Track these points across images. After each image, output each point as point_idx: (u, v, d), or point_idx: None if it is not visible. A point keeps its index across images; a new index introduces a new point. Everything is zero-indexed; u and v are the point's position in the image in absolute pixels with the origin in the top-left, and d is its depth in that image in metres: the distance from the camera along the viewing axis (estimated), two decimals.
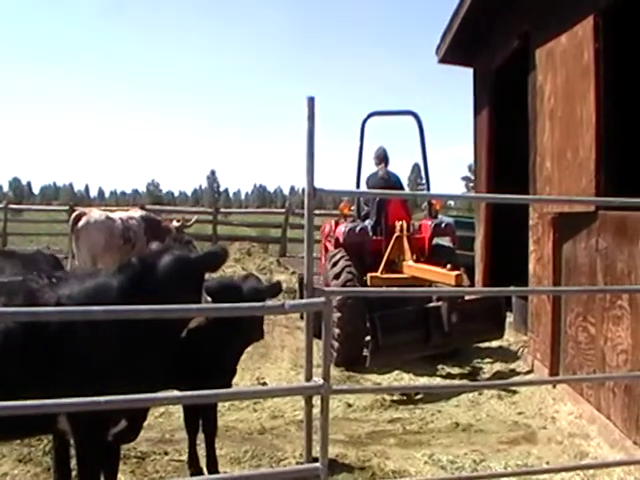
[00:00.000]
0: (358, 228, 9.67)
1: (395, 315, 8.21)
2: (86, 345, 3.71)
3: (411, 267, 8.95)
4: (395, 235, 9.34)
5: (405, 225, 9.31)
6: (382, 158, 10.30)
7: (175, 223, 12.59)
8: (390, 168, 10.39)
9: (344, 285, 8.91)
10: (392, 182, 10.09)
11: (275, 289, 5.25)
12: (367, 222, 9.99)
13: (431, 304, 8.56)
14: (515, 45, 9.68)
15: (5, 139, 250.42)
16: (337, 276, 9.12)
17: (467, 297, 8.88)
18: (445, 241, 10.30)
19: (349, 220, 10.10)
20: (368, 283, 9.07)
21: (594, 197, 6.46)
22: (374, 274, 9.12)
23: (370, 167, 10.47)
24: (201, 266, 4.11)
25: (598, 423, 6.35)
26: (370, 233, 9.76)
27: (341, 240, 9.67)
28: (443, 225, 9.86)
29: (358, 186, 10.37)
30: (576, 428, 6.59)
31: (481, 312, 8.71)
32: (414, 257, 9.08)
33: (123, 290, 3.86)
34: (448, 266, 8.17)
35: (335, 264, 9.30)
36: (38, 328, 3.61)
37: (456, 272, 7.96)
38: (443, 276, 8.13)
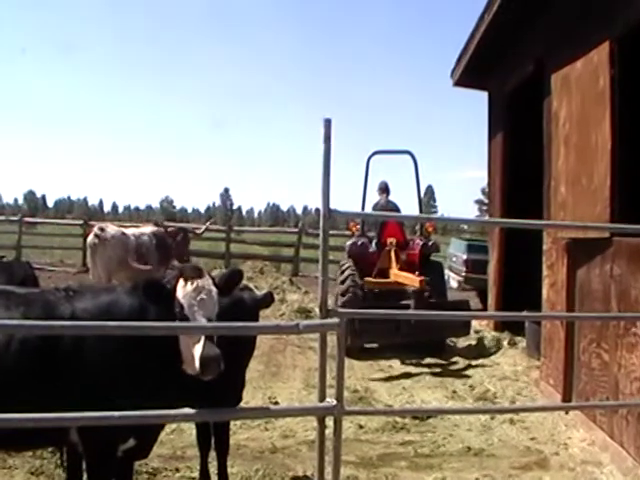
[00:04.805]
0: (359, 242, 12.19)
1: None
2: (96, 360, 3.78)
3: (394, 274, 11.28)
4: (386, 249, 11.57)
5: (394, 242, 11.61)
6: (384, 189, 12.65)
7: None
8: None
9: (347, 290, 11.39)
10: (390, 209, 12.17)
11: (265, 300, 5.25)
12: (374, 240, 12.19)
13: (403, 302, 10.78)
14: (530, 69, 9.72)
15: (21, 152, 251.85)
16: (343, 282, 11.57)
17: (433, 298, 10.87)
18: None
19: (355, 236, 12.51)
20: (364, 285, 11.55)
21: (608, 223, 6.46)
22: (368, 279, 11.57)
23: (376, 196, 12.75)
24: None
25: (611, 450, 6.31)
26: (373, 248, 12.02)
27: (347, 251, 12.30)
28: (430, 244, 12.13)
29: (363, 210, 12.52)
30: (589, 455, 6.54)
31: (447, 311, 9.77)
32: (398, 266, 11.33)
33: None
34: (416, 273, 10.84)
35: (342, 272, 11.78)
36: (54, 339, 3.73)
37: (420, 278, 10.40)
38: (412, 280, 10.57)
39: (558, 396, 7.88)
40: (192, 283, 3.78)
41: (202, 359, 3.58)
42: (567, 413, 7.51)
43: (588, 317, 7.25)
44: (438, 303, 10.68)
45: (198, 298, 3.76)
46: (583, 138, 7.26)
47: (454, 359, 10.78)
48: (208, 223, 14.13)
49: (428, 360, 10.71)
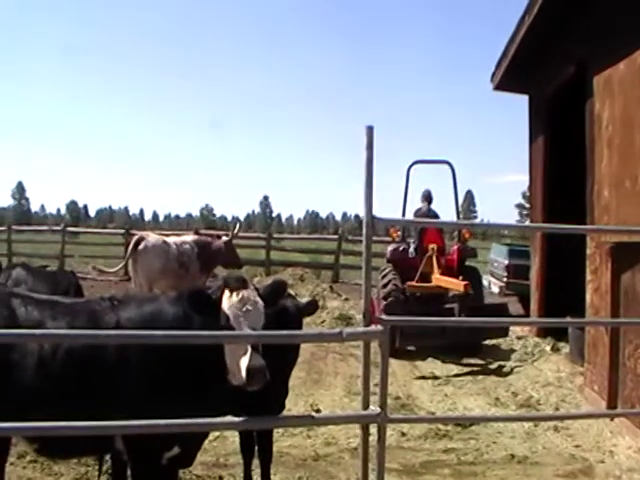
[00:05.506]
0: (400, 248, 12.69)
1: (418, 312, 10.13)
2: (141, 369, 3.82)
3: (436, 278, 11.72)
4: (427, 255, 11.96)
5: (436, 247, 12.01)
6: (427, 197, 12.95)
7: (224, 238, 12.68)
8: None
9: (389, 294, 11.76)
10: (431, 216, 12.51)
11: (309, 308, 5.25)
12: (412, 245, 12.65)
13: (447, 305, 11.45)
14: (571, 71, 9.63)
15: (62, 163, 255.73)
16: (384, 286, 11.97)
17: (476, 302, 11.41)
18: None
19: (396, 242, 13.08)
20: (406, 289, 11.96)
21: None
22: (411, 283, 11.94)
23: (417, 203, 13.14)
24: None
25: None
26: (413, 253, 12.48)
27: (388, 257, 12.71)
28: (468, 249, 12.84)
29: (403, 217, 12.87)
30: (635, 463, 6.43)
31: (486, 314, 10.35)
32: (440, 271, 11.77)
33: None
34: (460, 278, 11.26)
35: (384, 277, 12.17)
36: (99, 348, 3.80)
37: (464, 282, 10.90)
38: (456, 284, 11.14)
39: (603, 403, 7.76)
40: (237, 294, 3.77)
41: (249, 370, 3.57)
42: (612, 420, 7.39)
43: (633, 322, 7.13)
44: (478, 307, 11.10)
45: (244, 309, 3.75)
46: (626, 140, 7.17)
47: (496, 365, 10.71)
48: (237, 227, 13.99)
49: (470, 366, 10.70)
